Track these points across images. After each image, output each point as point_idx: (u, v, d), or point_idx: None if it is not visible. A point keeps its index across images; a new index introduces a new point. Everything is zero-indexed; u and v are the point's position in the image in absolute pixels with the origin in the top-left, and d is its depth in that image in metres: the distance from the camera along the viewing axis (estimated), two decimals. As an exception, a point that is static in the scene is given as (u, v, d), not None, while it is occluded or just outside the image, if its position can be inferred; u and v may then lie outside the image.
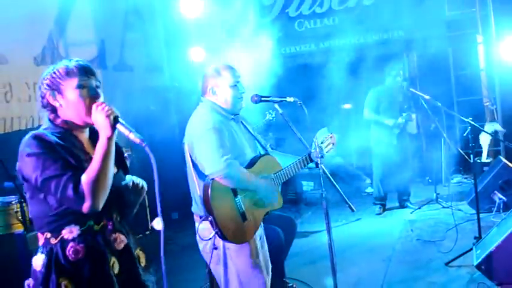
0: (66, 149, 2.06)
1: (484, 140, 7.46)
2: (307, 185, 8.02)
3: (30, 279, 2.15)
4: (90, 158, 2.08)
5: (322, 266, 4.72)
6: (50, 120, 2.16)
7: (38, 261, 2.10)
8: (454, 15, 7.83)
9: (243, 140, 3.16)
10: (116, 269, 2.18)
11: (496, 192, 5.84)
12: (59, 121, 2.15)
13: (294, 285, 4.40)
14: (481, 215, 4.69)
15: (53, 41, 5.76)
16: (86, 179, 1.97)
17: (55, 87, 2.11)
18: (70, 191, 1.95)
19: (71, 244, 2.08)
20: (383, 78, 6.68)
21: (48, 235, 2.10)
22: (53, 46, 5.76)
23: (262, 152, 3.33)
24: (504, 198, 5.76)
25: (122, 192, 2.22)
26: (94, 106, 2.06)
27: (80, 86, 2.10)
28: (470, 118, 4.80)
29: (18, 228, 3.98)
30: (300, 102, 3.03)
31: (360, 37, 7.96)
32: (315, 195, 7.61)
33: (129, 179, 2.25)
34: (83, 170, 2.02)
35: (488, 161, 7.17)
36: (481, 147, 7.57)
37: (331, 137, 3.27)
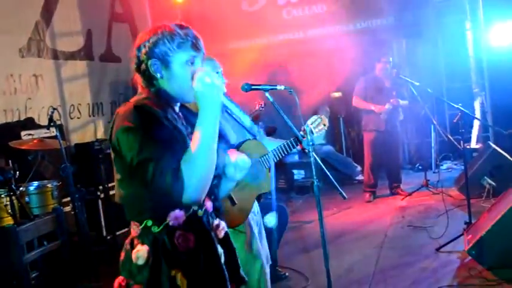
0: (169, 123, 1.78)
1: (474, 125, 7.51)
2: (298, 174, 8.03)
3: (121, 277, 1.86)
4: (192, 133, 1.78)
5: (314, 254, 4.74)
6: (144, 87, 1.90)
7: (142, 253, 1.79)
8: (443, 2, 7.83)
9: (227, 128, 3.16)
10: (222, 260, 1.93)
11: (485, 177, 5.88)
12: (153, 90, 1.87)
13: (287, 274, 4.41)
14: (471, 201, 4.70)
15: (39, 32, 5.67)
16: (188, 166, 1.66)
17: (160, 58, 1.82)
18: (169, 178, 1.64)
19: (178, 232, 1.80)
20: (373, 66, 6.72)
21: (149, 222, 1.80)
22: (39, 37, 5.67)
23: (251, 140, 3.33)
24: (494, 183, 5.80)
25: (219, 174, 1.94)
26: (199, 77, 1.74)
27: (189, 62, 1.83)
28: (460, 104, 4.81)
29: (8, 222, 3.95)
30: (291, 90, 3.02)
31: (349, 24, 7.92)
32: (306, 184, 7.62)
33: (233, 161, 1.93)
34: (186, 146, 1.74)
35: (477, 146, 7.21)
36: (471, 133, 7.62)
37: (321, 119, 3.27)
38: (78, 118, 6.30)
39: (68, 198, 4.82)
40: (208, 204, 1.92)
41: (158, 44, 1.82)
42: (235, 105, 1.80)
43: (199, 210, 1.86)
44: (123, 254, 1.88)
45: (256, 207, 3.25)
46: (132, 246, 1.84)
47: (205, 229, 1.88)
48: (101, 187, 5.59)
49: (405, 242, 4.99)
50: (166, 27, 1.84)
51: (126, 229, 6.15)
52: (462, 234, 4.48)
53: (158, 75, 1.84)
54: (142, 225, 1.81)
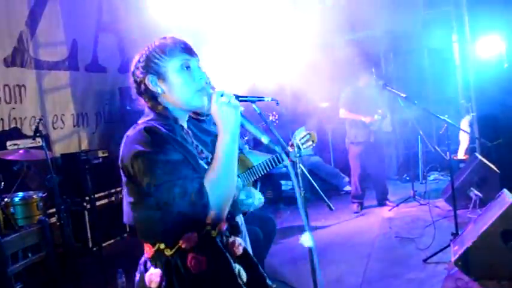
0: (179, 145, 1.74)
1: (462, 137, 7.55)
2: (286, 184, 8.02)
3: None
4: (202, 151, 1.86)
5: (302, 265, 4.71)
6: (150, 108, 1.85)
7: (155, 276, 1.78)
8: (429, 14, 7.91)
9: None
10: (244, 278, 1.91)
11: (472, 188, 5.91)
12: (160, 108, 1.84)
13: (274, 285, 4.38)
14: (458, 212, 4.73)
15: (24, 42, 5.63)
16: (212, 185, 1.68)
17: (154, 71, 1.81)
18: (194, 197, 1.64)
19: (191, 254, 1.79)
20: (357, 77, 6.75)
21: (162, 246, 1.79)
22: (24, 47, 5.63)
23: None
24: (480, 194, 5.83)
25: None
26: (216, 97, 1.74)
27: (184, 67, 1.81)
28: (446, 116, 4.85)
29: (-8, 234, 3.90)
30: (278, 101, 3.01)
31: (336, 36, 7.96)
32: (294, 195, 7.61)
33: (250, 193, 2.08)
34: (199, 166, 1.75)
35: (464, 158, 7.26)
36: (457, 144, 7.67)
37: (310, 134, 3.26)
38: (62, 128, 6.23)
39: (54, 209, 4.76)
40: (223, 223, 1.91)
41: (150, 60, 1.82)
42: (251, 123, 1.79)
43: (213, 231, 1.86)
44: (138, 275, 1.88)
45: (240, 219, 3.22)
46: (146, 268, 1.84)
47: (219, 250, 1.87)
48: (87, 198, 5.54)
49: (392, 253, 4.99)
50: (152, 43, 1.86)
51: (112, 240, 6.13)
52: (449, 245, 4.50)
53: (159, 90, 1.82)
54: (155, 247, 1.81)
